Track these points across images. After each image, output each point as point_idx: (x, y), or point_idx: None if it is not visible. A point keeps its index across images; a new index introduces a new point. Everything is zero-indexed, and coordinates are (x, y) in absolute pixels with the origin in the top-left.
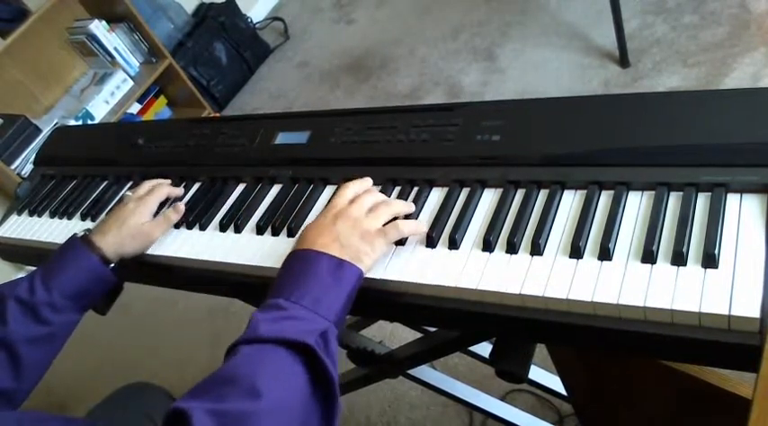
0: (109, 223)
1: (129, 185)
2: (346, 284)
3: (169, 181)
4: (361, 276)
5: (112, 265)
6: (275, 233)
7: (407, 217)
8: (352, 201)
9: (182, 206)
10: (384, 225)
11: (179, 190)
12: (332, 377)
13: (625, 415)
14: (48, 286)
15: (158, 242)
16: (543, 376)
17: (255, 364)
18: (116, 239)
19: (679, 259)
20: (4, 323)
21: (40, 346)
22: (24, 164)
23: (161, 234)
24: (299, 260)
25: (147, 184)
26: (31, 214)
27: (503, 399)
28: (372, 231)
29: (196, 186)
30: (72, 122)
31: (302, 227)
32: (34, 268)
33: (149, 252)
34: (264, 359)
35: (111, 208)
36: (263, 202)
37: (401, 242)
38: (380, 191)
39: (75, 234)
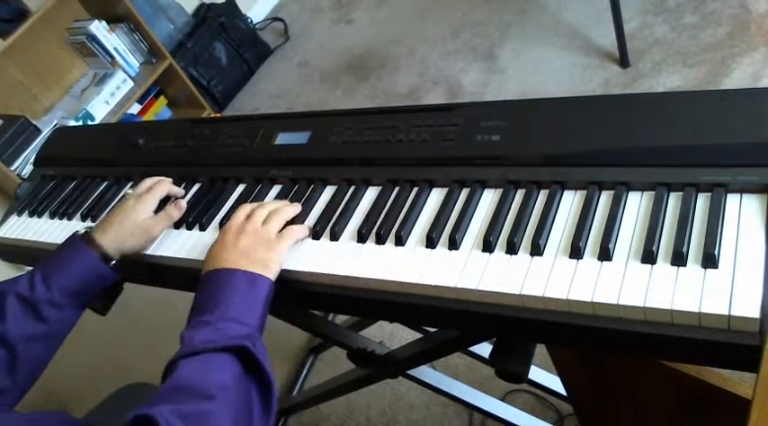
0: (109, 220)
1: (130, 185)
2: (261, 295)
3: (170, 179)
4: (272, 284)
5: (113, 262)
6: None
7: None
8: (247, 217)
9: (183, 203)
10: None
11: (179, 189)
12: (265, 367)
13: (625, 415)
14: (48, 283)
15: (158, 242)
16: (543, 376)
17: (201, 372)
18: (116, 236)
19: (679, 259)
20: (4, 319)
21: (38, 344)
22: (24, 164)
23: (162, 230)
24: (215, 279)
25: (148, 181)
26: (31, 215)
27: (503, 399)
28: (272, 239)
29: (196, 186)
30: (72, 123)
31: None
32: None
33: (149, 252)
34: (207, 366)
35: (112, 207)
36: None
37: (401, 242)
38: (381, 192)
39: (76, 231)
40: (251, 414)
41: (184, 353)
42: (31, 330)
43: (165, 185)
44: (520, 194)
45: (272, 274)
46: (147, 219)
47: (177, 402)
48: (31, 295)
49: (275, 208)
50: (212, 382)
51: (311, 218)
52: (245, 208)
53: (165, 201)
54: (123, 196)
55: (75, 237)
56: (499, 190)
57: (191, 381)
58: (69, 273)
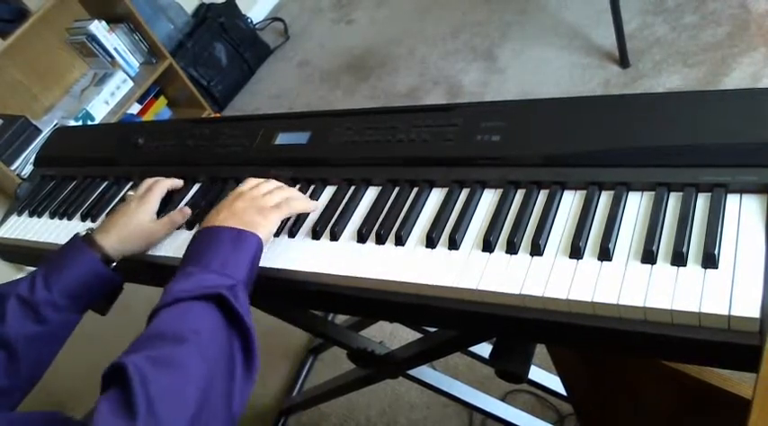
0: (111, 222)
1: (130, 185)
2: (247, 249)
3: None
4: (260, 243)
5: (114, 264)
6: (275, 233)
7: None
8: (252, 187)
9: (188, 209)
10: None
11: (179, 182)
12: (242, 316)
13: (625, 415)
14: (49, 284)
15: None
16: (543, 376)
17: (177, 319)
18: (118, 238)
19: (679, 259)
20: (3, 320)
21: (39, 345)
22: (24, 164)
23: (165, 235)
24: (203, 235)
25: (148, 182)
26: (31, 215)
27: (503, 399)
28: (267, 207)
29: (196, 186)
30: (72, 123)
31: (302, 228)
32: (34, 268)
33: (149, 252)
34: (184, 314)
35: (112, 208)
36: None
37: (401, 242)
38: (381, 192)
39: (77, 233)
40: (233, 367)
41: (163, 303)
42: (31, 331)
43: (164, 183)
44: (520, 194)
45: (260, 235)
46: (150, 223)
47: (150, 348)
48: (31, 296)
49: (283, 186)
50: (186, 327)
51: (311, 218)
52: (252, 179)
53: (166, 200)
54: (123, 197)
55: (76, 238)
56: (499, 191)
57: (166, 328)
58: (70, 275)
